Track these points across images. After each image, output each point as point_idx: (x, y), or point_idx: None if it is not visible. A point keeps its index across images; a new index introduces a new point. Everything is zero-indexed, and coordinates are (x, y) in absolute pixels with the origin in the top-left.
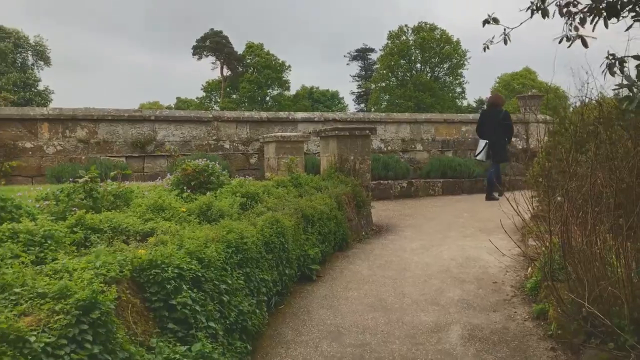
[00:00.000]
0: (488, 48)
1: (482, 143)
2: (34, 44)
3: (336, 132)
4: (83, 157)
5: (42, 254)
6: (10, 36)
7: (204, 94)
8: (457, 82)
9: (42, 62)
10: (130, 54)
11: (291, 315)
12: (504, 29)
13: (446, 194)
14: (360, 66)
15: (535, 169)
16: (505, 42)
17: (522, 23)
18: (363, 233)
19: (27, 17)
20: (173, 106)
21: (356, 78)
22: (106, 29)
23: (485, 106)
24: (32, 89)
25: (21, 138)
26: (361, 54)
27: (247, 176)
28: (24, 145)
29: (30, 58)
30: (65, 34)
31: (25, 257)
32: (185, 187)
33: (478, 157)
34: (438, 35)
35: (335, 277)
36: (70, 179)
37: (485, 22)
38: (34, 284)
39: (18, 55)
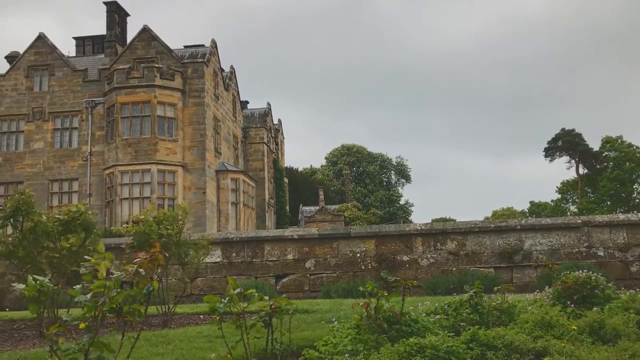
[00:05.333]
0: None
1: None
2: (395, 164)
3: None
4: (454, 269)
5: None
6: (377, 160)
7: (559, 196)
8: None
9: (403, 180)
10: (475, 163)
11: None
12: None
13: None
14: None
15: None
16: None
17: None
18: None
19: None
20: (527, 211)
21: None
22: (455, 142)
23: None
24: (395, 204)
25: (399, 252)
26: None
27: (636, 289)
28: (402, 259)
29: (393, 177)
30: (417, 150)
31: None
32: (567, 301)
33: None
34: None
35: None
36: (454, 293)
37: None
38: None
39: (383, 175)
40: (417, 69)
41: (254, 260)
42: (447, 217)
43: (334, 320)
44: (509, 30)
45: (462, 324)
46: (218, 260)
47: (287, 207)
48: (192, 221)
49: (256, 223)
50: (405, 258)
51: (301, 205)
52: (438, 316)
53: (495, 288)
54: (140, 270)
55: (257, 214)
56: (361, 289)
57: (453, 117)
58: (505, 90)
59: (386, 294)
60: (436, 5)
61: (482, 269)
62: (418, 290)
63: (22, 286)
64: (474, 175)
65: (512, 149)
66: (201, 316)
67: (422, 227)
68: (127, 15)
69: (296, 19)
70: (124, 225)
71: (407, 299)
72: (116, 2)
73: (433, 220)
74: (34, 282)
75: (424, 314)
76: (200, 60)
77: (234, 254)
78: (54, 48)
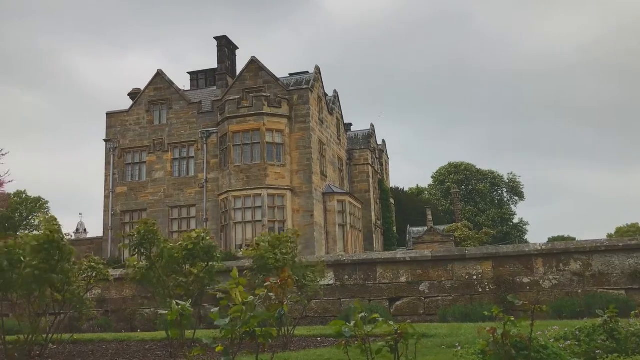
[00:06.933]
0: None
1: None
2: (507, 180)
3: None
4: (579, 291)
5: None
6: (487, 177)
7: None
8: None
9: (516, 197)
10: (593, 177)
11: None
12: None
13: None
14: None
15: None
16: None
17: None
18: None
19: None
20: None
21: None
22: (570, 155)
23: None
24: (509, 223)
25: (518, 274)
26: None
27: None
28: (521, 281)
29: (505, 194)
30: (529, 166)
31: None
32: None
33: None
34: None
35: None
36: (582, 317)
37: None
38: None
39: (495, 193)
40: (523, 79)
41: (367, 282)
42: (565, 236)
43: (457, 345)
44: (622, 35)
45: (597, 351)
46: (331, 282)
47: (394, 228)
48: (301, 243)
49: (363, 245)
50: (525, 280)
51: (408, 226)
52: (569, 342)
53: (633, 312)
54: (271, 294)
55: (364, 235)
56: (486, 313)
57: (566, 129)
58: (621, 98)
59: (513, 318)
60: (542, 12)
61: (611, 291)
62: (541, 313)
63: (164, 312)
64: (592, 190)
65: (634, 161)
66: (318, 338)
67: (543, 247)
68: (236, 48)
69: (393, 35)
70: (239, 249)
71: (529, 323)
72: (226, 37)
73: (550, 240)
74: (177, 307)
75: (552, 340)
76: (305, 86)
77: (346, 277)
78: (170, 83)
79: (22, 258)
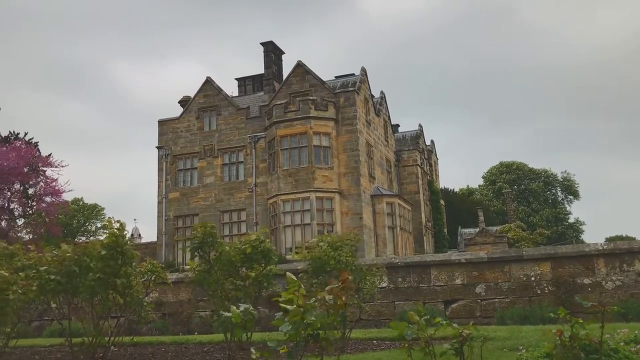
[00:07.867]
0: None
1: None
2: (561, 179)
3: None
4: None
5: None
6: (540, 176)
7: None
8: None
9: (571, 196)
10: None
11: None
12: None
13: None
14: None
15: None
16: None
17: None
18: None
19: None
20: None
21: None
22: (629, 151)
23: None
24: (564, 223)
25: (578, 274)
26: None
27: None
28: (582, 282)
29: (559, 193)
30: (584, 163)
31: None
32: None
33: None
34: None
35: None
36: None
37: None
38: None
39: (548, 192)
40: (576, 71)
41: (421, 285)
42: (624, 235)
43: (520, 348)
44: None
45: None
46: (384, 285)
47: (445, 230)
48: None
49: (414, 247)
50: (585, 281)
51: (460, 227)
52: None
53: None
54: (330, 297)
55: (415, 237)
56: (551, 315)
57: (625, 123)
58: None
59: (580, 320)
60: (590, 3)
61: None
62: (606, 315)
63: (228, 314)
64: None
65: None
66: (374, 341)
67: (604, 246)
68: (282, 53)
69: (435, 33)
70: (289, 252)
71: (595, 325)
72: (272, 42)
73: (607, 239)
74: (239, 310)
75: (622, 343)
76: (351, 89)
77: (399, 279)
78: (219, 90)
79: (91, 265)
